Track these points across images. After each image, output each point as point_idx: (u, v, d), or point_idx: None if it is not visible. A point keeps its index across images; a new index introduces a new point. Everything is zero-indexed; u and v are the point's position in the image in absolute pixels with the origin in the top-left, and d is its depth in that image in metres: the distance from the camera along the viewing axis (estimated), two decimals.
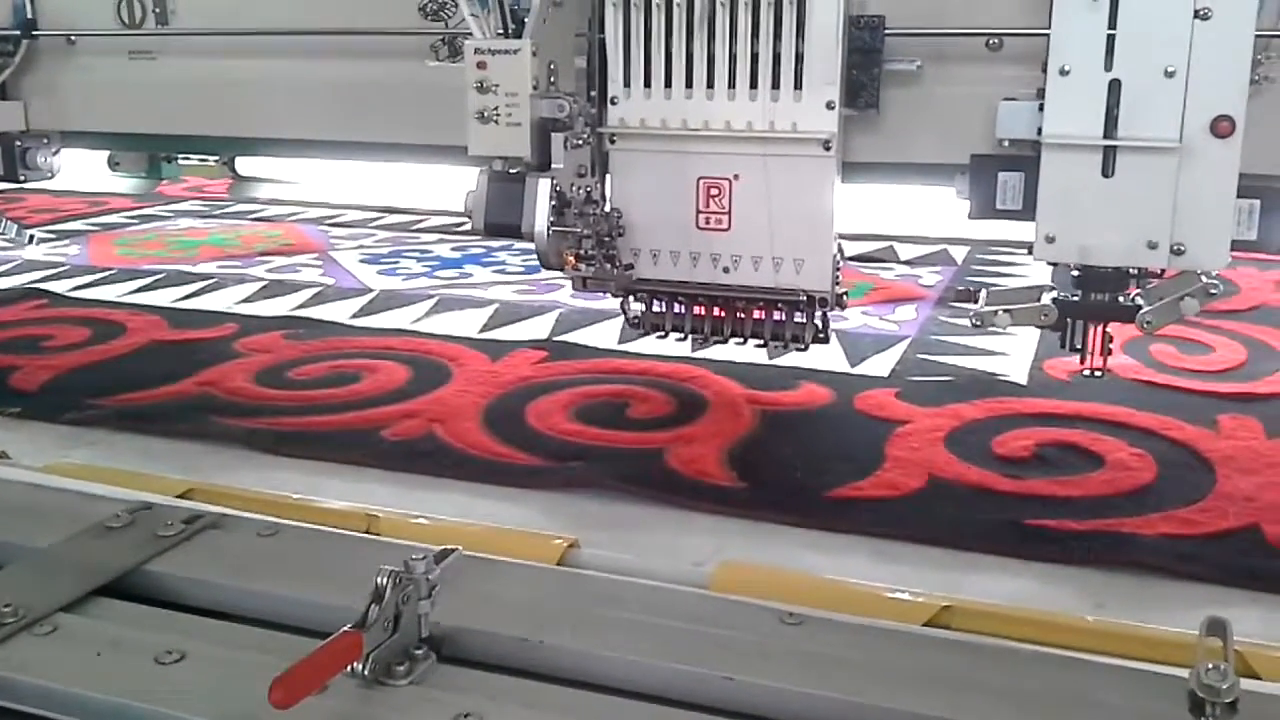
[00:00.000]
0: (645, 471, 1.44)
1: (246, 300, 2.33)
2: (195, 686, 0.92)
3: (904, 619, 1.05)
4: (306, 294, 2.37)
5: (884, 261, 2.70)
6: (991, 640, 1.01)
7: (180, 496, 1.34)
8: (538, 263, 1.54)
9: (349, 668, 0.90)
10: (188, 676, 0.94)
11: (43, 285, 2.44)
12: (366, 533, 1.26)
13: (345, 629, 0.90)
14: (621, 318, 1.65)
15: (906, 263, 2.69)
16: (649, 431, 1.57)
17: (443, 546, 1.01)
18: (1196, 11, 1.22)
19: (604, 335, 2.02)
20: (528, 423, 1.61)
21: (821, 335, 1.54)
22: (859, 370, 1.85)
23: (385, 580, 0.93)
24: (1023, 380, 1.78)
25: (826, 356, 1.90)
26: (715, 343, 1.59)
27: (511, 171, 1.46)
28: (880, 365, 1.87)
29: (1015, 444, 1.51)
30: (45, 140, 2.24)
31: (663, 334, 1.60)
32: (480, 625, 1.00)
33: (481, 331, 2.08)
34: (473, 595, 1.04)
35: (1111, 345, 1.44)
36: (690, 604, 1.06)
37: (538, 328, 2.11)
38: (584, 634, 1.00)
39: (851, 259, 2.71)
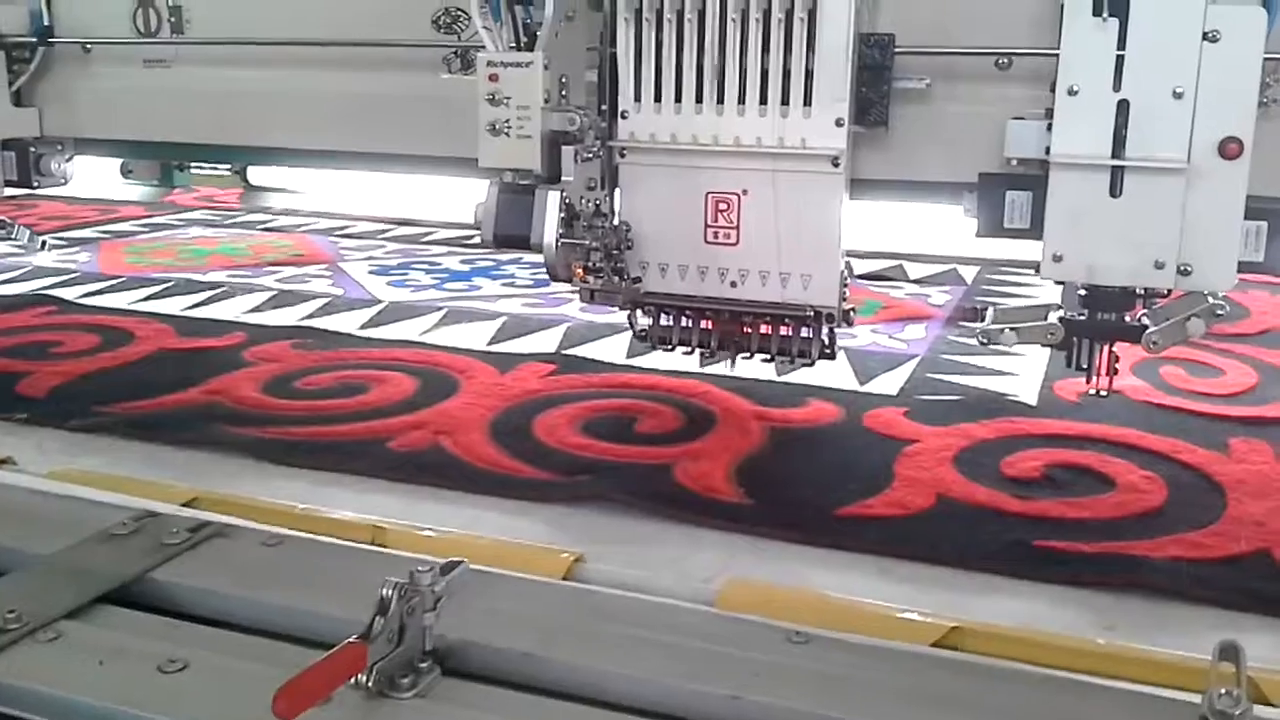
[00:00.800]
0: (653, 487, 1.43)
1: (255, 310, 2.33)
2: (198, 696, 0.92)
3: (912, 639, 1.04)
4: (315, 304, 2.37)
5: (893, 280, 2.70)
6: (1001, 662, 1.00)
7: (185, 505, 1.33)
8: (546, 276, 1.54)
9: (353, 679, 0.90)
10: (190, 686, 0.93)
11: (52, 292, 2.44)
12: (372, 544, 1.26)
13: (350, 640, 0.89)
14: (630, 332, 1.65)
15: (916, 281, 2.68)
16: (657, 446, 1.57)
17: (448, 559, 1.00)
18: (1205, 33, 1.23)
19: (612, 349, 2.02)
20: (535, 436, 1.60)
21: (828, 351, 1.54)
22: (868, 388, 1.84)
23: (390, 592, 0.92)
24: (1032, 401, 1.77)
25: (835, 374, 1.89)
26: (723, 357, 1.59)
27: (521, 184, 1.46)
28: (889, 384, 1.86)
29: (1024, 464, 1.50)
30: (59, 147, 2.25)
31: (670, 347, 1.60)
32: (485, 639, 1.00)
33: (490, 344, 2.08)
34: (478, 608, 1.03)
35: (1118, 365, 1.44)
36: (697, 621, 1.05)
37: (546, 341, 2.10)
38: (590, 649, 0.99)
39: (861, 277, 2.71)
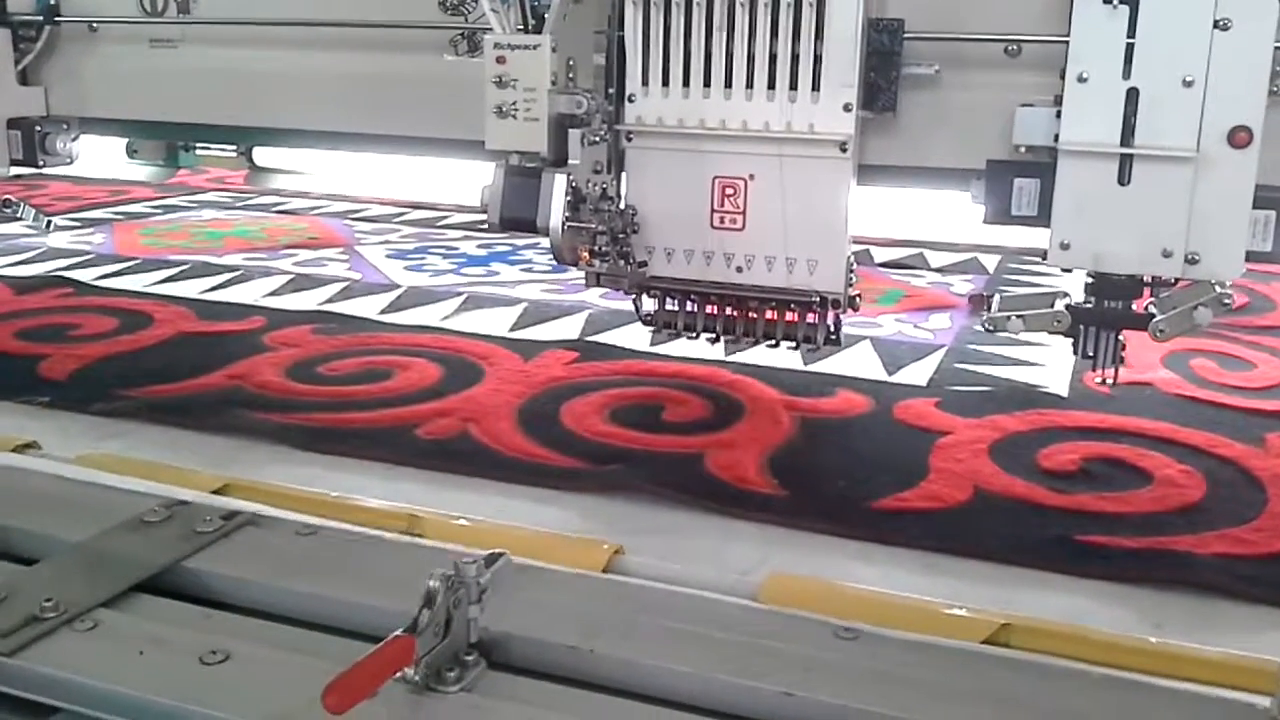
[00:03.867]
0: (685, 477, 1.41)
1: (274, 293, 2.31)
2: (241, 688, 0.90)
3: (961, 635, 1.02)
4: (334, 288, 2.35)
5: (915, 268, 2.68)
6: (1055, 660, 0.98)
7: (215, 492, 1.32)
8: None
9: (400, 672, 0.89)
10: (233, 677, 0.92)
11: (68, 273, 2.42)
12: (407, 533, 1.24)
13: (397, 633, 0.87)
14: None
15: (938, 270, 2.66)
16: (686, 435, 1.55)
17: (491, 550, 0.99)
18: (1216, 22, 1.22)
19: (635, 336, 1.99)
20: (563, 424, 1.59)
21: (834, 337, 1.53)
22: (896, 379, 1.82)
23: (437, 584, 0.91)
24: (1063, 392, 1.76)
25: (863, 363, 1.88)
26: (728, 341, 1.59)
27: (528, 166, 1.45)
28: (918, 374, 1.84)
29: (1061, 457, 1.48)
30: (65, 126, 2.22)
31: (675, 332, 1.59)
32: (530, 632, 0.98)
33: (511, 330, 2.06)
34: (521, 601, 1.01)
35: (1124, 354, 1.43)
36: (742, 616, 1.04)
37: (568, 328, 2.09)
38: (636, 643, 0.97)
39: (881, 265, 2.69)
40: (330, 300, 2.26)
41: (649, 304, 1.59)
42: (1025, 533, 1.28)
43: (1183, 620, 1.11)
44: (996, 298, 1.46)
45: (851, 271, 1.48)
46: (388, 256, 2.69)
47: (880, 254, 2.79)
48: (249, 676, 0.92)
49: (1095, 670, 0.96)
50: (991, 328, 1.43)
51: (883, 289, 2.43)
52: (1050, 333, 1.43)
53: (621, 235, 1.49)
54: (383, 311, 2.18)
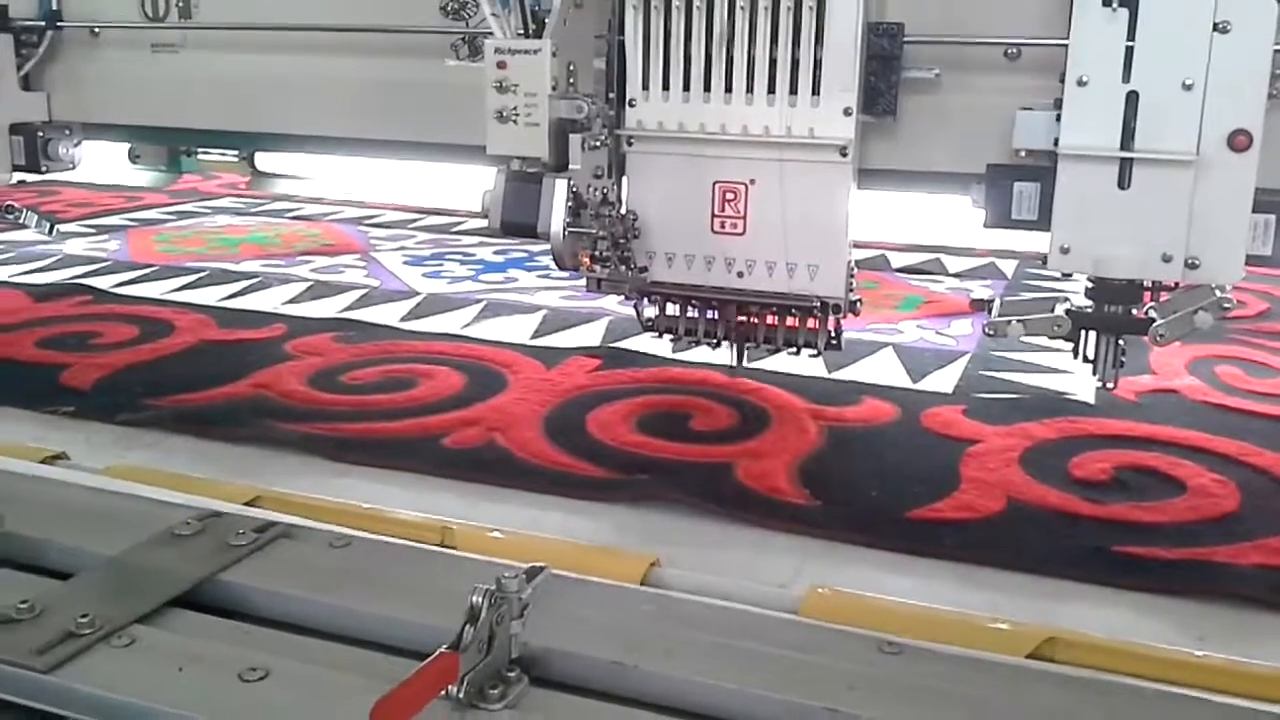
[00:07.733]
0: (716, 487, 1.40)
1: (293, 301, 2.30)
2: (283, 706, 0.90)
3: (1006, 650, 1.01)
4: (353, 295, 2.34)
5: (932, 274, 2.66)
6: (1103, 675, 0.97)
7: (247, 504, 1.31)
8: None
9: (443, 690, 0.88)
10: (274, 695, 0.91)
11: (85, 280, 2.42)
12: (440, 545, 1.24)
13: (442, 650, 0.87)
14: None
15: (955, 275, 2.65)
16: (714, 445, 1.54)
17: (531, 564, 0.98)
18: (1216, 25, 1.22)
19: (657, 343, 1.97)
20: (590, 433, 1.58)
21: (834, 342, 1.53)
22: (921, 386, 1.81)
23: (480, 600, 0.90)
24: (1090, 399, 1.75)
25: (887, 371, 1.87)
26: (732, 347, 1.58)
27: (529, 171, 1.45)
28: (943, 381, 1.84)
29: (1092, 466, 1.47)
30: (67, 131, 2.23)
31: (675, 337, 1.59)
32: (571, 647, 0.97)
33: (533, 338, 2.06)
34: (561, 615, 1.01)
35: (1123, 358, 1.43)
36: (785, 630, 1.03)
37: (589, 335, 2.08)
38: (677, 659, 0.97)
39: (899, 270, 2.68)
40: (350, 308, 2.25)
41: (650, 309, 1.59)
42: (1061, 544, 1.27)
43: (1224, 633, 1.10)
44: (997, 302, 1.46)
45: (852, 276, 1.48)
46: (405, 263, 2.68)
47: (897, 259, 2.78)
48: (290, 694, 0.91)
49: (1145, 685, 0.95)
50: (992, 332, 1.43)
51: (902, 295, 2.43)
52: (1050, 337, 1.43)
53: (622, 240, 1.49)
54: (403, 319, 2.17)
